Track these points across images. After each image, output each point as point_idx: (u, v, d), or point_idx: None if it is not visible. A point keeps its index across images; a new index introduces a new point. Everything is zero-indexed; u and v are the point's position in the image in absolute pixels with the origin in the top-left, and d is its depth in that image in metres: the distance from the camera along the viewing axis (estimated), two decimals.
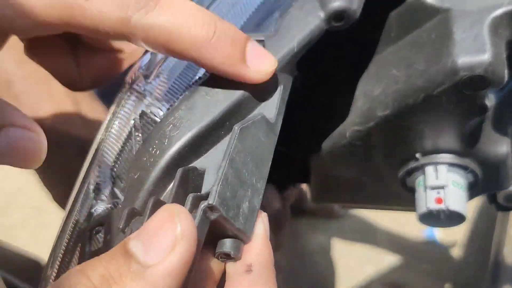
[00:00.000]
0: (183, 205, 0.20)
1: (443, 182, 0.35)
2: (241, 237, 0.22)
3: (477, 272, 1.17)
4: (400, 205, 0.44)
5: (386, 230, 1.35)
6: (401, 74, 0.32)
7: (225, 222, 0.20)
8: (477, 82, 0.29)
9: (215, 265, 0.22)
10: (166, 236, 0.17)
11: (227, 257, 0.22)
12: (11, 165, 0.22)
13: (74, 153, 0.44)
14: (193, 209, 0.20)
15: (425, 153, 0.36)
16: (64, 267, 0.27)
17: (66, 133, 0.45)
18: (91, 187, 0.26)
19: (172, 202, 0.20)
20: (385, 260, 1.28)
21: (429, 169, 0.36)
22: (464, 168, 0.36)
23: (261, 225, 0.23)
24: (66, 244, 0.26)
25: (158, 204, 0.21)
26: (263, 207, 0.38)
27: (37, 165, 0.23)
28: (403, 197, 0.40)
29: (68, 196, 0.45)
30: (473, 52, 0.28)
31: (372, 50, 0.34)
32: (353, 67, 0.35)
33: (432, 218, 0.37)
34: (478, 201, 1.31)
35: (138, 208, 0.22)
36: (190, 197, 0.20)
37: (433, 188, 0.36)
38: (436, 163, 0.36)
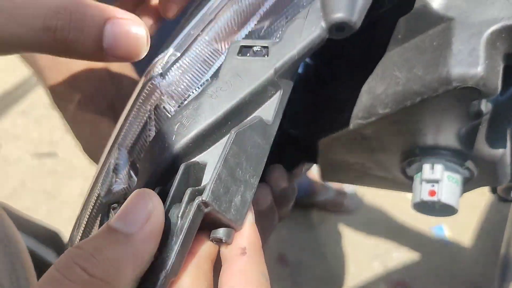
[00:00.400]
0: (182, 197, 0.24)
1: (438, 177, 0.38)
2: (232, 226, 0.25)
3: (486, 272, 1.17)
4: (402, 190, 0.47)
5: (395, 226, 1.34)
6: (402, 76, 0.34)
7: (217, 214, 0.24)
8: (469, 92, 0.31)
9: (211, 247, 0.26)
10: (142, 211, 0.22)
11: (220, 241, 0.25)
12: (118, 60, 0.25)
13: (103, 107, 0.47)
14: (189, 201, 0.24)
15: (424, 148, 0.38)
16: (87, 231, 0.31)
17: (96, 88, 0.48)
18: (111, 167, 0.30)
19: (173, 194, 0.24)
20: (393, 257, 1.29)
21: (427, 164, 0.38)
22: (460, 164, 0.38)
23: (250, 213, 0.26)
24: (89, 213, 0.31)
25: (161, 194, 0.25)
26: (271, 187, 0.42)
27: (140, 57, 0.26)
28: (404, 183, 0.43)
29: (96, 147, 0.49)
30: (467, 65, 0.30)
31: (380, 50, 0.36)
32: (363, 64, 0.37)
33: (425, 207, 0.40)
34: (489, 200, 1.29)
35: None
36: (188, 191, 0.24)
37: (428, 181, 0.38)
38: (433, 158, 0.38)
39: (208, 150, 0.27)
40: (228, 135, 0.25)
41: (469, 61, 0.30)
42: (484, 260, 1.23)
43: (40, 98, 1.70)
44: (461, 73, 0.30)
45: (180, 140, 0.26)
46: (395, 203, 1.38)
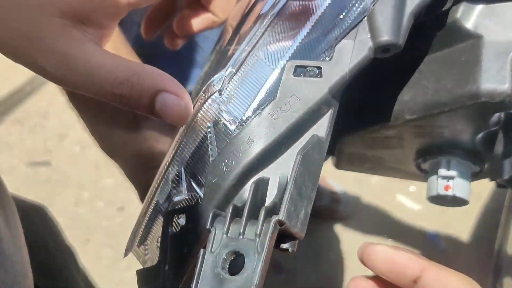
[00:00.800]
0: (258, 214, 0.26)
1: (453, 174, 0.42)
2: (297, 236, 0.28)
3: (481, 278, 1.18)
4: (414, 179, 0.50)
5: (390, 233, 1.35)
6: (430, 86, 0.37)
7: (289, 229, 0.27)
8: (495, 106, 0.34)
9: None
10: None
11: (286, 251, 0.28)
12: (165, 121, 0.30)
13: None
14: (265, 219, 0.26)
15: (441, 147, 0.42)
16: (147, 228, 0.34)
17: None
18: (170, 176, 0.32)
19: (248, 211, 0.27)
20: None
21: (443, 161, 0.42)
22: (472, 161, 0.42)
23: None
24: (149, 215, 0.33)
25: (235, 211, 0.27)
26: None
27: (184, 124, 0.31)
28: (417, 174, 0.47)
29: (114, 146, 0.51)
30: (495, 82, 0.33)
31: (406, 59, 0.39)
32: (388, 70, 0.40)
33: (439, 199, 0.44)
34: (484, 206, 1.31)
35: (217, 207, 0.29)
36: (262, 211, 0.26)
37: (444, 177, 0.42)
38: (448, 156, 0.42)
39: (270, 166, 0.30)
40: (295, 158, 0.28)
41: (498, 79, 0.33)
42: (479, 266, 1.21)
43: (34, 106, 1.68)
44: (490, 90, 0.33)
45: (246, 158, 0.29)
46: (390, 210, 1.38)
